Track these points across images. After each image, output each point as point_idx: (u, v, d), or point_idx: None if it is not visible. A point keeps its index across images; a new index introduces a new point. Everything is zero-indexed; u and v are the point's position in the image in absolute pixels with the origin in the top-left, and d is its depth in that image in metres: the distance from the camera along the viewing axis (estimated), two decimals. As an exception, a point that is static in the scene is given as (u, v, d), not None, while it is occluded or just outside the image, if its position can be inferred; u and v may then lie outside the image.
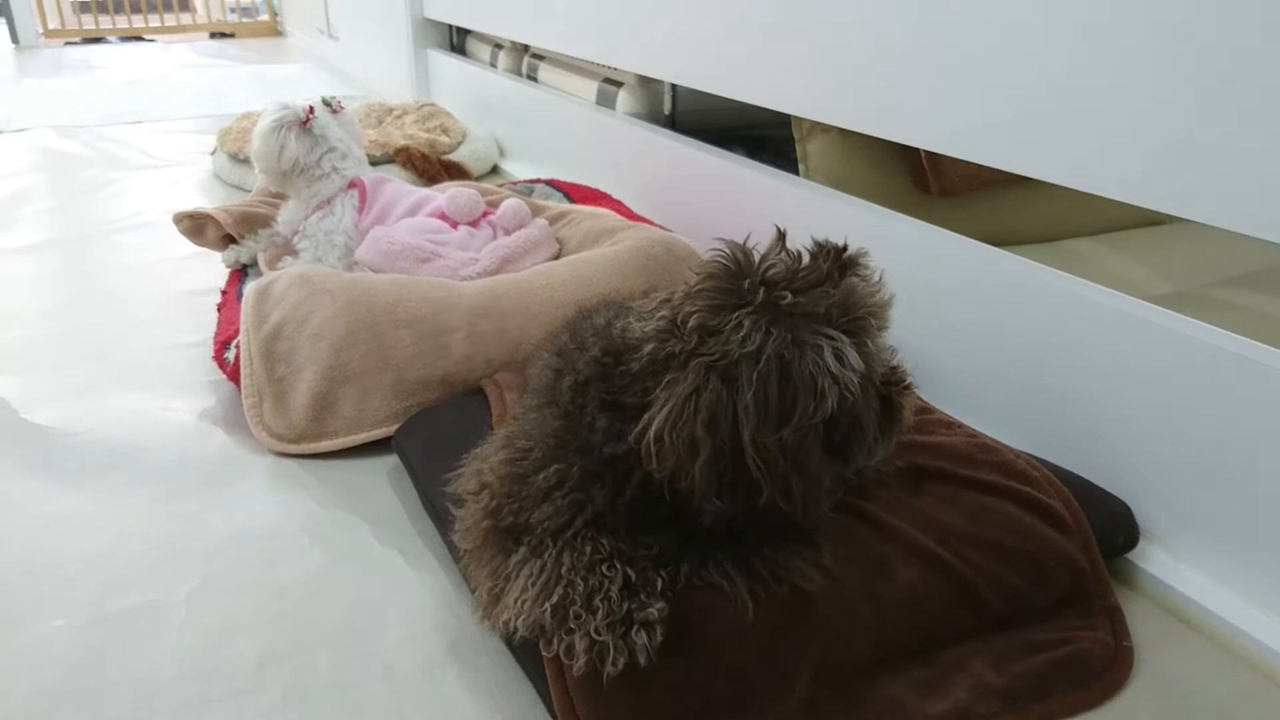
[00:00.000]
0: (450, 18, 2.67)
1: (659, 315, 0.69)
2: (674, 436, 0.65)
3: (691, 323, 0.66)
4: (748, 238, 0.69)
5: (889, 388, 0.70)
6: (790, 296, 0.65)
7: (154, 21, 5.34)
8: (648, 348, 0.68)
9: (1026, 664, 0.73)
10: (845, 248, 0.68)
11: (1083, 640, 0.76)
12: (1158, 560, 0.86)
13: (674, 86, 1.82)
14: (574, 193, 1.81)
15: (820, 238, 0.69)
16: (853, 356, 0.64)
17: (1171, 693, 0.74)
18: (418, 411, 1.07)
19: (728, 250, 0.68)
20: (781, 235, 0.70)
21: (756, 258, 0.68)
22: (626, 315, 0.75)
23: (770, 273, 0.66)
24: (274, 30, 5.49)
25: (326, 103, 1.50)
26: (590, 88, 2.01)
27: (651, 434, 0.66)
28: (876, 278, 0.69)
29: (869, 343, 0.67)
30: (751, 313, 0.64)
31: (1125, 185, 0.86)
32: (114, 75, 3.85)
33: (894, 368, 0.72)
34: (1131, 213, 1.08)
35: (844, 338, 0.65)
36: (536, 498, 0.72)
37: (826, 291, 0.65)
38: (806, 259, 0.68)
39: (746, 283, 0.66)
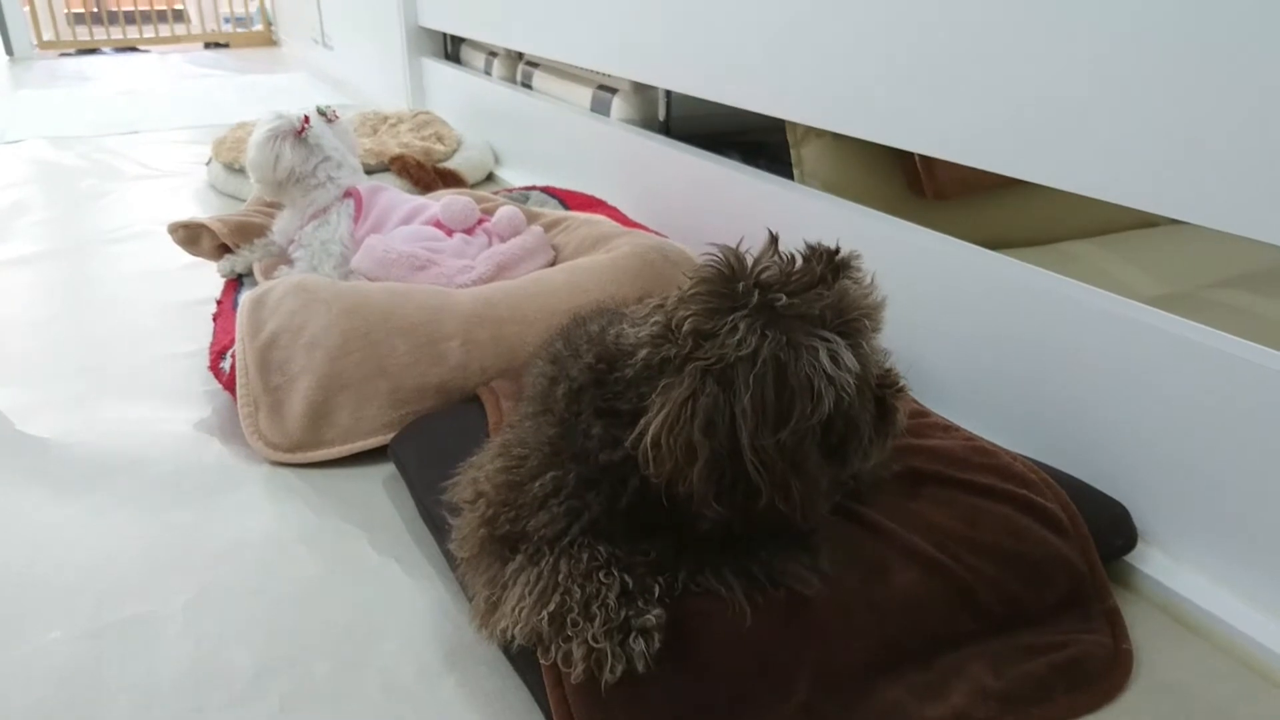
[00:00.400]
0: (445, 26, 2.68)
1: (653, 320, 0.69)
2: (671, 441, 0.65)
3: (686, 327, 0.65)
4: (740, 242, 0.69)
5: (883, 390, 0.70)
6: (784, 299, 0.65)
7: (148, 32, 5.34)
8: (642, 353, 0.68)
9: (1025, 667, 0.73)
10: (837, 250, 0.68)
11: (1081, 643, 0.76)
12: (1156, 562, 0.86)
13: (668, 92, 1.82)
14: (569, 199, 1.81)
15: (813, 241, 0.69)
16: (848, 358, 0.64)
17: (1171, 694, 0.74)
18: (414, 419, 1.07)
19: (720, 254, 0.68)
20: (774, 239, 0.70)
21: (749, 261, 0.67)
22: (620, 321, 0.75)
23: (764, 276, 0.66)
24: (268, 40, 5.49)
25: (321, 112, 1.50)
26: (585, 94, 2.01)
27: (649, 439, 0.66)
28: (868, 280, 0.69)
29: (863, 344, 0.67)
30: (746, 316, 0.64)
31: (1123, 188, 0.86)
32: (109, 86, 3.85)
33: (887, 370, 0.72)
34: (1126, 215, 1.08)
35: (839, 339, 0.64)
36: (533, 505, 0.71)
37: (820, 294, 0.65)
38: (799, 262, 0.68)
39: (740, 286, 0.65)
